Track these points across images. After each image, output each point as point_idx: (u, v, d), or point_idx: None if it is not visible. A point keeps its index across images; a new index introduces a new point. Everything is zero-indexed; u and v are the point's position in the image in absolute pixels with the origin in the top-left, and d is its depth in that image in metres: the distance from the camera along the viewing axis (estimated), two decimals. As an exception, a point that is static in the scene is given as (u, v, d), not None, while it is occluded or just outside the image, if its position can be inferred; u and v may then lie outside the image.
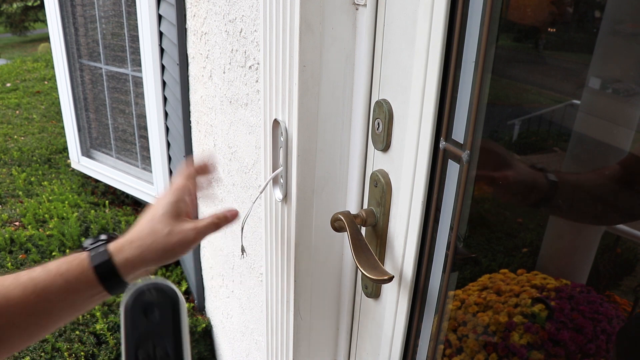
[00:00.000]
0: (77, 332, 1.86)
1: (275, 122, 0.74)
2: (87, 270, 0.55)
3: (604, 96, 0.42)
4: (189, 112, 1.86)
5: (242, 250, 0.74)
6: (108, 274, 0.55)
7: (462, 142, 0.53)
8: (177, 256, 0.60)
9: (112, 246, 0.57)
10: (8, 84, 5.66)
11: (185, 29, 1.74)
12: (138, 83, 2.57)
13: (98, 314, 1.94)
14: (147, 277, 0.59)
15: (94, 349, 1.82)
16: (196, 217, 0.63)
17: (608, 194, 0.44)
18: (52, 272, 0.54)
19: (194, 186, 0.67)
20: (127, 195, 3.16)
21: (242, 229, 0.75)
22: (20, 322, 0.53)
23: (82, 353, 1.78)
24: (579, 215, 0.51)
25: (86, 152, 3.17)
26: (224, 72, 1.26)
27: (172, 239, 0.58)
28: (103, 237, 0.59)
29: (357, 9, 0.65)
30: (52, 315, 0.55)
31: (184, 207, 0.61)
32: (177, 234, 0.58)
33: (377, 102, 0.66)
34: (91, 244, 0.58)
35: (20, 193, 2.96)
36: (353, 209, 0.75)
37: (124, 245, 0.57)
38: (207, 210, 1.65)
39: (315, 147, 0.70)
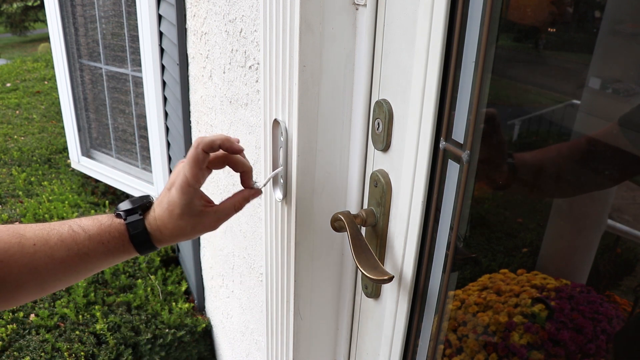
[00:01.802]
0: (77, 332, 1.86)
1: (275, 122, 0.74)
2: (127, 243, 0.63)
3: (604, 96, 0.42)
4: (189, 112, 1.86)
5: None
6: (145, 247, 0.64)
7: (462, 142, 0.53)
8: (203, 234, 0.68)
9: (149, 225, 0.64)
10: (8, 84, 5.66)
11: (185, 29, 1.74)
12: (138, 83, 2.57)
13: (98, 314, 1.94)
14: None
15: (94, 349, 1.82)
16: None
17: (563, 168, 0.47)
18: (94, 239, 0.61)
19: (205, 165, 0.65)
20: (127, 195, 3.15)
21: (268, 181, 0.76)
22: (62, 277, 0.61)
23: (82, 353, 1.78)
24: (540, 191, 0.53)
25: (86, 152, 3.17)
26: (224, 72, 1.26)
27: (196, 231, 0.65)
28: (138, 202, 0.65)
29: (357, 9, 0.65)
30: (90, 271, 0.63)
31: (198, 203, 0.64)
32: (201, 227, 0.65)
33: (377, 102, 0.66)
34: (127, 212, 0.64)
35: (20, 193, 2.96)
36: (353, 209, 0.75)
37: (156, 228, 0.64)
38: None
39: (315, 147, 0.70)
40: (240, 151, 0.66)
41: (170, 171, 2.38)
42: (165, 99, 2.25)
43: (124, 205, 0.65)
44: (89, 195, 3.13)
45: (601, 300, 0.47)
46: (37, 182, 3.18)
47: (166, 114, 2.28)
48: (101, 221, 0.63)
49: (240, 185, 0.71)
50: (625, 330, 0.45)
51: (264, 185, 0.76)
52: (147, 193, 2.74)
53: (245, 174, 0.68)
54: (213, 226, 0.66)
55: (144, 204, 0.65)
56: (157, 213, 0.64)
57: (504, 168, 0.52)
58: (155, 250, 0.65)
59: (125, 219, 0.63)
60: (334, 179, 0.73)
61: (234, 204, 0.67)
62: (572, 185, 0.48)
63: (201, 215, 0.64)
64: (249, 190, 0.69)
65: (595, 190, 0.46)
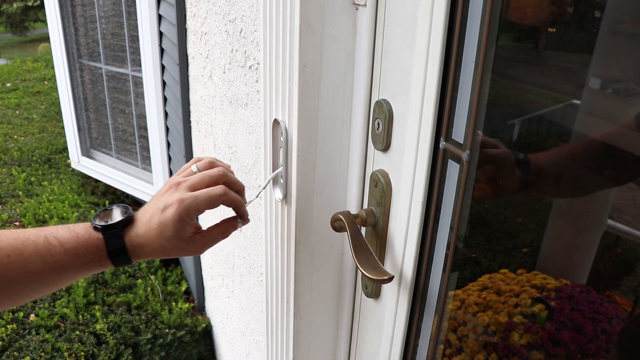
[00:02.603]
0: (77, 332, 1.86)
1: (275, 122, 0.74)
2: (104, 258, 0.62)
3: (604, 96, 0.42)
4: (189, 112, 1.86)
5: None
6: (122, 262, 0.63)
7: (462, 142, 0.53)
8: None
9: (129, 241, 0.62)
10: (8, 84, 5.66)
11: (185, 29, 1.74)
12: (138, 83, 2.57)
13: (98, 314, 1.94)
14: None
15: (94, 349, 1.81)
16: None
17: (577, 167, 0.46)
18: (70, 252, 0.60)
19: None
20: (127, 195, 3.16)
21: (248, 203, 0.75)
22: (36, 288, 0.60)
23: (82, 353, 1.78)
24: (555, 191, 0.52)
25: (86, 152, 3.17)
26: (224, 72, 1.26)
27: (180, 254, 0.65)
28: (116, 214, 0.64)
29: (357, 9, 0.65)
30: (64, 283, 0.62)
31: (189, 230, 0.63)
32: (186, 251, 0.64)
33: (377, 102, 0.66)
34: (104, 225, 0.62)
35: (20, 193, 2.96)
36: (353, 209, 0.75)
37: (138, 245, 0.63)
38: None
39: (315, 147, 0.70)
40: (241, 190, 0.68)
41: (170, 171, 2.38)
42: (165, 99, 2.25)
43: (103, 218, 0.63)
44: (89, 195, 3.13)
45: (601, 300, 0.47)
46: (37, 182, 3.18)
47: (166, 114, 2.28)
48: (78, 234, 0.61)
49: (246, 185, 0.71)
50: (630, 328, 0.45)
51: (264, 187, 0.76)
52: (147, 192, 2.71)
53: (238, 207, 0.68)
54: (198, 251, 0.65)
55: (124, 219, 0.63)
56: (142, 231, 0.62)
57: (516, 171, 0.52)
58: (131, 264, 0.65)
59: (104, 234, 0.62)
60: (334, 179, 0.73)
61: (222, 232, 0.67)
62: (585, 184, 0.47)
63: (189, 241, 0.63)
64: (238, 220, 0.69)
65: (607, 187, 0.45)
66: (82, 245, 0.61)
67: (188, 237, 0.63)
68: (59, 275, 0.60)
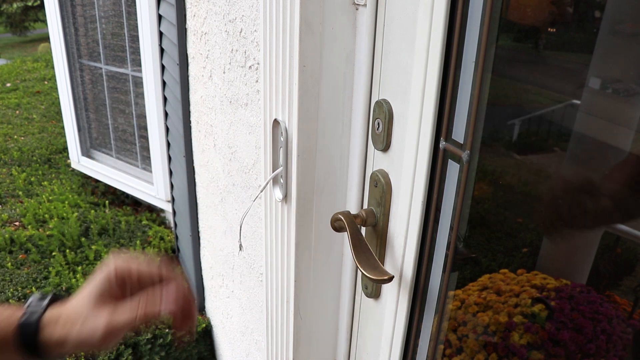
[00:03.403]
0: (77, 332, 1.85)
1: (275, 122, 0.74)
2: (9, 335, 0.50)
3: (604, 96, 0.42)
4: (189, 112, 1.86)
5: (240, 247, 0.75)
6: (30, 348, 0.50)
7: (462, 142, 0.53)
8: (93, 348, 0.51)
9: (47, 317, 0.51)
10: (8, 84, 5.66)
11: (185, 29, 1.74)
12: (138, 83, 2.57)
13: (98, 314, 1.93)
14: None
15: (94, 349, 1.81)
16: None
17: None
18: None
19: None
20: (127, 195, 3.15)
21: (241, 227, 0.75)
22: None
23: (82, 353, 1.78)
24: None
25: (86, 152, 3.17)
26: (224, 72, 1.26)
27: (84, 329, 0.50)
28: (48, 297, 0.54)
29: (357, 9, 0.65)
30: None
31: (109, 286, 0.52)
32: (90, 323, 0.50)
33: (377, 102, 0.66)
34: (29, 306, 0.52)
35: (20, 193, 2.96)
36: (353, 209, 0.75)
37: (53, 322, 0.51)
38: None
39: (315, 147, 0.70)
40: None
41: (170, 171, 2.39)
42: (165, 99, 2.25)
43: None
44: (89, 195, 3.13)
45: (601, 300, 0.47)
46: (37, 182, 3.18)
47: (166, 114, 2.28)
48: (3, 307, 0.52)
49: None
50: None
51: (264, 187, 0.76)
52: (147, 192, 2.70)
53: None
54: (102, 336, 0.50)
55: (53, 297, 0.53)
56: (63, 308, 0.52)
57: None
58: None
59: (29, 305, 0.52)
60: (334, 179, 0.73)
61: (136, 313, 0.51)
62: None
63: (101, 307, 0.51)
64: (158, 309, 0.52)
65: None
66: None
67: (103, 299, 0.51)
68: None
